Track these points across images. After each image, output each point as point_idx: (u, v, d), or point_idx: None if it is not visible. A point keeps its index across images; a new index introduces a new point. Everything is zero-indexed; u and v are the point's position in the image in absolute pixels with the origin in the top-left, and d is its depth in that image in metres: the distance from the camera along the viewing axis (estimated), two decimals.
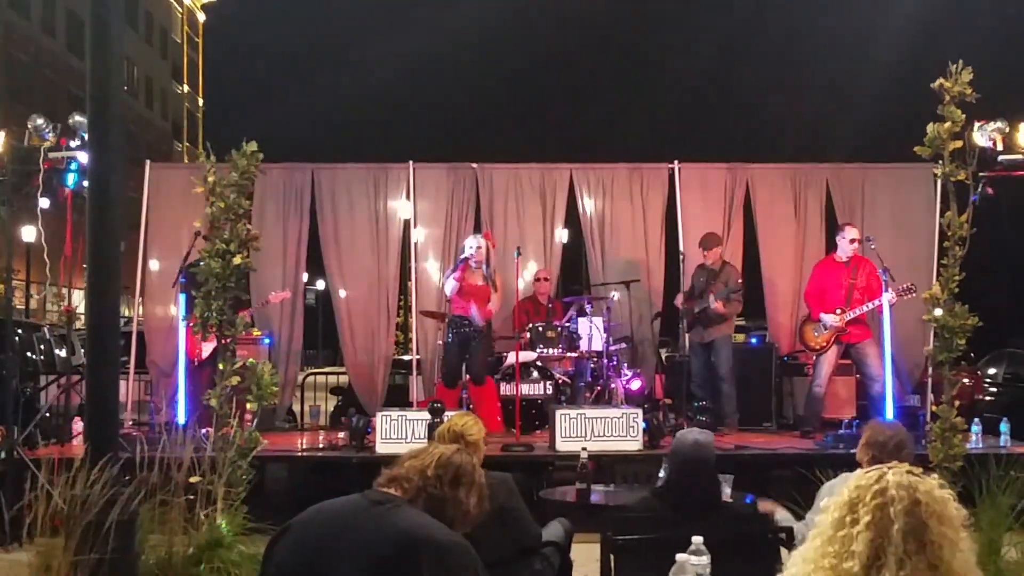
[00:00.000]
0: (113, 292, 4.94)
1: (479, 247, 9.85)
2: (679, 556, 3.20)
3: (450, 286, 10.25)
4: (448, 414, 6.75)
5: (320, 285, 13.07)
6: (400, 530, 2.85)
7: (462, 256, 10.17)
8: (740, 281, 10.90)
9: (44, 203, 8.28)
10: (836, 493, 2.51)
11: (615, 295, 11.50)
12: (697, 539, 3.30)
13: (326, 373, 14.61)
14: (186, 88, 56.43)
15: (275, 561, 2.95)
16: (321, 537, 2.90)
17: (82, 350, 17.34)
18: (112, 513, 4.44)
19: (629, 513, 4.63)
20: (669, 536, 3.60)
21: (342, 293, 12.01)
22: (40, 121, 8.07)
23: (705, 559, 3.26)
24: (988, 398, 14.67)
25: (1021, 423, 9.79)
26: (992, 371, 15.42)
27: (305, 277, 12.70)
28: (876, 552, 2.35)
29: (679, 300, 11.06)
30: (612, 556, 4.19)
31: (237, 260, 7.01)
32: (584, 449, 6.82)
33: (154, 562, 5.47)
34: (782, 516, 5.31)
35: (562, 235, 12.07)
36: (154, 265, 11.57)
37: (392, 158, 12.25)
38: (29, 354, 12.98)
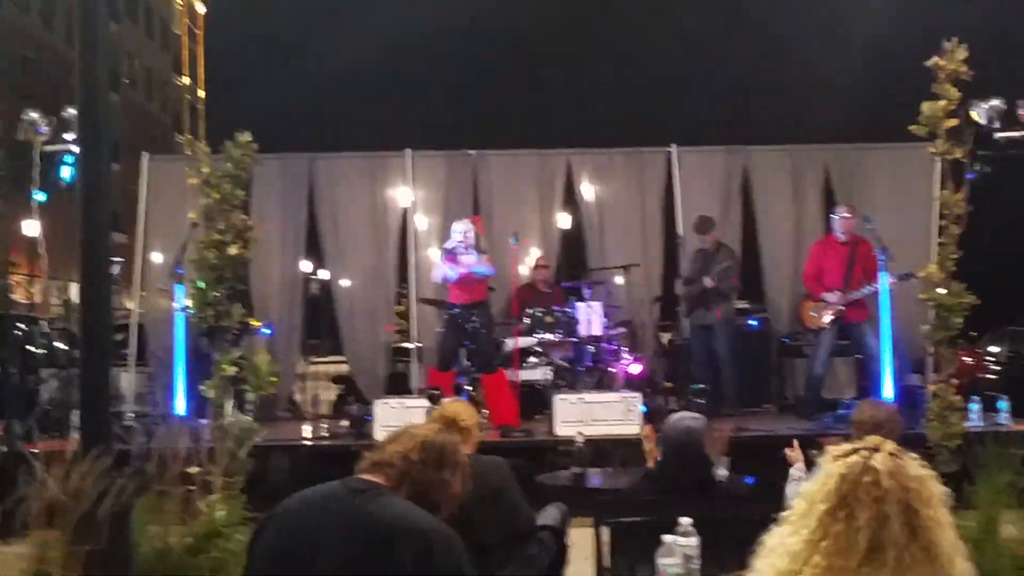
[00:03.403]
0: (104, 285, 4.94)
1: (466, 232, 9.69)
2: (666, 537, 3.20)
3: (439, 273, 9.96)
4: (444, 400, 6.75)
5: (323, 275, 13.09)
6: (383, 520, 2.84)
7: (448, 246, 9.88)
8: (733, 258, 10.91)
9: (41, 197, 8.28)
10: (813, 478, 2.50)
11: (614, 280, 11.50)
12: (685, 520, 3.30)
13: (328, 362, 14.60)
14: (187, 80, 56.30)
15: (258, 553, 2.95)
16: (301, 527, 2.88)
17: None
18: (106, 505, 4.44)
19: (622, 496, 4.64)
20: (661, 518, 3.60)
21: (342, 282, 12.03)
22: (35, 115, 8.06)
23: (694, 540, 3.26)
24: (989, 376, 14.65)
25: (1021, 401, 9.78)
26: (994, 349, 15.40)
27: (309, 267, 12.72)
28: (874, 546, 2.34)
29: (679, 286, 11.06)
30: (606, 539, 4.19)
31: (233, 251, 6.99)
32: (580, 433, 6.81)
33: (152, 553, 5.47)
34: (798, 471, 5.32)
35: (561, 221, 12.07)
36: (154, 258, 11.58)
37: (390, 147, 12.25)
38: (29, 347, 13.00)
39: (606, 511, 4.25)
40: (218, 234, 6.98)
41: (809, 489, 2.44)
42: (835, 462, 2.43)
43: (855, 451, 2.43)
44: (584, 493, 6.00)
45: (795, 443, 5.71)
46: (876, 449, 2.42)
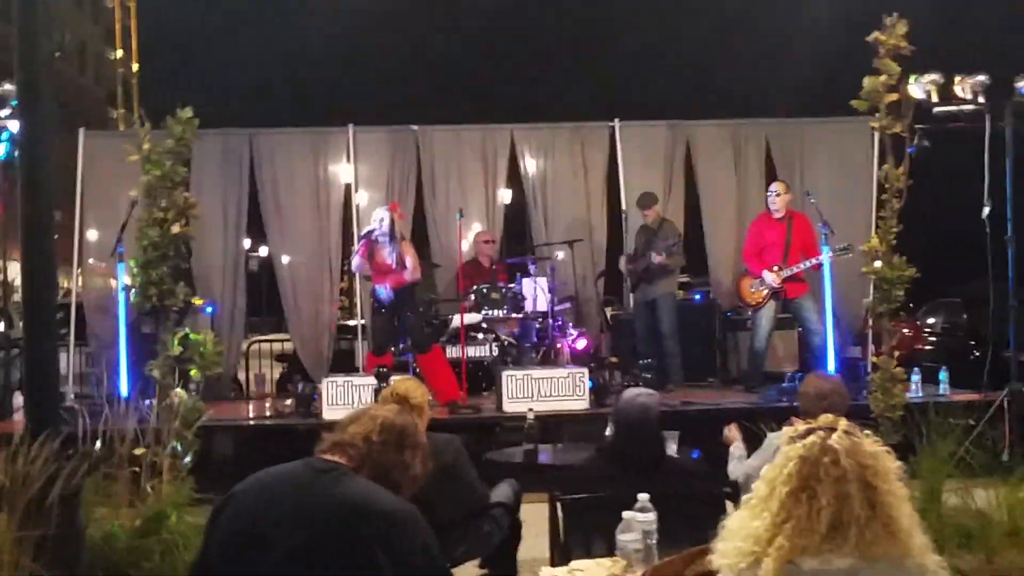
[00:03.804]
0: (48, 264, 4.85)
1: (382, 220, 9.47)
2: (625, 514, 3.22)
3: (355, 263, 9.88)
4: (394, 379, 6.73)
5: (263, 252, 12.95)
6: (347, 500, 2.82)
7: (365, 231, 9.81)
8: (679, 234, 10.99)
9: None
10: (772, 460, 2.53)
11: (559, 255, 11.52)
12: (643, 496, 3.32)
13: (271, 340, 14.47)
14: (120, 53, 55.26)
15: (218, 531, 2.92)
16: (265, 507, 2.86)
17: (20, 323, 17.09)
18: (55, 488, 4.38)
19: (576, 472, 4.66)
20: (615, 494, 3.61)
21: (284, 259, 11.91)
22: None
23: (652, 516, 3.28)
24: (927, 348, 14.93)
25: (959, 372, 9.97)
26: (931, 321, 15.69)
27: (248, 243, 12.56)
28: (836, 525, 2.38)
29: (622, 263, 11.10)
30: (560, 515, 4.21)
31: (176, 229, 6.90)
32: (530, 410, 6.83)
33: (100, 536, 5.41)
34: (737, 450, 5.39)
35: (505, 196, 12.05)
36: (92, 235, 11.39)
37: (332, 122, 12.13)
38: None
39: (559, 487, 4.25)
40: (160, 212, 6.89)
41: (769, 473, 2.47)
42: (793, 444, 2.47)
43: (811, 432, 2.47)
44: (536, 469, 6.02)
45: (732, 424, 5.77)
46: (832, 429, 2.46)
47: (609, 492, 3.94)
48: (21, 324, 15.71)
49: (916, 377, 9.38)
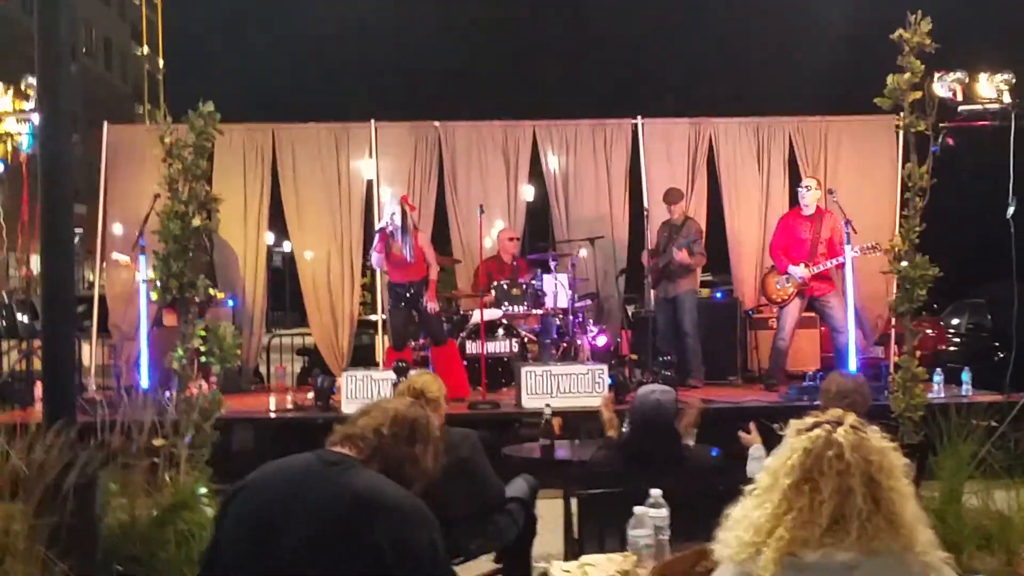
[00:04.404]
0: (67, 256, 4.87)
1: (393, 214, 9.47)
2: (637, 509, 3.20)
3: (373, 259, 9.91)
4: (412, 373, 6.73)
5: (287, 247, 13.01)
6: (355, 492, 2.82)
7: (378, 226, 9.82)
8: (701, 232, 10.96)
9: None
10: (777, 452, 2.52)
11: (580, 252, 11.50)
12: (655, 492, 3.30)
13: (292, 334, 14.53)
14: (146, 49, 55.60)
15: (228, 521, 2.92)
16: (274, 498, 2.86)
17: None
18: (70, 476, 4.40)
19: (591, 468, 4.65)
20: (630, 490, 3.60)
21: (306, 254, 11.95)
22: None
23: (664, 511, 3.27)
24: (951, 348, 14.82)
25: (983, 373, 9.89)
26: (955, 321, 15.57)
27: (272, 239, 12.60)
28: (837, 518, 2.37)
29: (645, 258, 11.07)
30: (574, 510, 4.20)
31: (196, 221, 6.92)
32: (548, 405, 6.80)
33: (117, 525, 5.43)
34: (756, 450, 5.35)
35: (526, 192, 12.04)
36: (115, 228, 11.45)
37: (354, 117, 12.15)
38: None
39: (574, 482, 4.24)
40: (181, 205, 6.91)
41: (773, 464, 2.46)
42: (799, 436, 2.46)
43: (818, 425, 2.46)
44: (552, 465, 6.01)
45: (751, 425, 5.73)
46: (839, 423, 2.46)
47: (625, 488, 3.92)
48: None
49: (939, 378, 9.33)
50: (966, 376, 9.56)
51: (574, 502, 4.18)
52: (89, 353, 11.47)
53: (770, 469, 2.48)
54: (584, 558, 3.22)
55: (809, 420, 2.53)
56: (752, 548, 2.40)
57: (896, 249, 7.12)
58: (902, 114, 7.11)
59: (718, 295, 12.74)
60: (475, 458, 5.13)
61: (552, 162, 11.95)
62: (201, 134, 7.03)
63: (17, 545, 4.37)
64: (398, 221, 9.43)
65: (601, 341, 11.05)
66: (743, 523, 2.46)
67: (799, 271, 9.94)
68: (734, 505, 2.57)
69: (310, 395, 9.63)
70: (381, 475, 2.92)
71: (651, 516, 3.24)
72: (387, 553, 2.73)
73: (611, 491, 3.91)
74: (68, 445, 4.49)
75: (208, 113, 7.08)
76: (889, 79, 7.06)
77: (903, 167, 7.44)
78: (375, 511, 2.77)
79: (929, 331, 14.64)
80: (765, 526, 2.40)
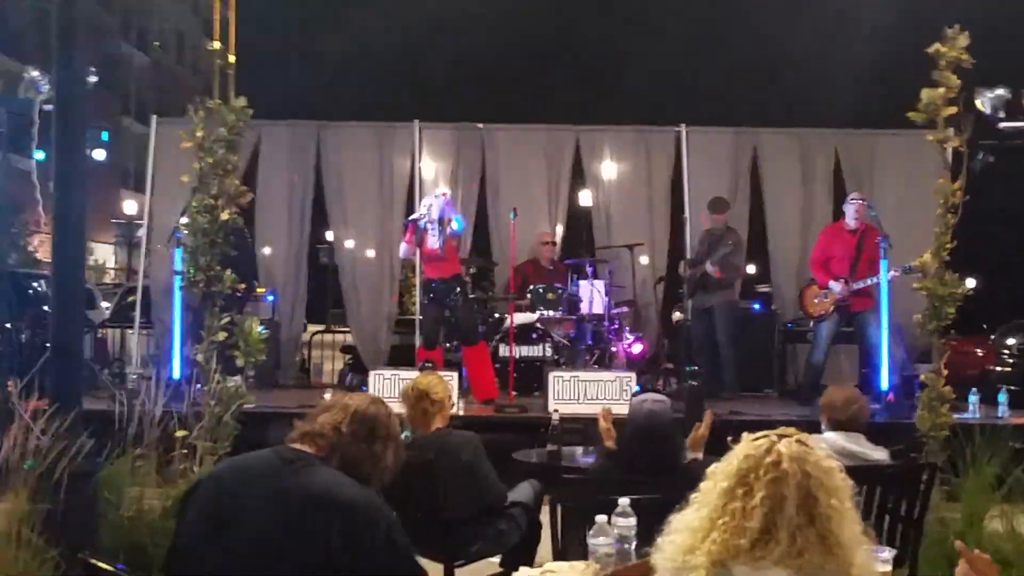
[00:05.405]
0: (77, 246, 4.95)
1: (429, 206, 9.35)
2: (599, 517, 3.19)
3: (401, 249, 9.84)
4: (417, 374, 6.73)
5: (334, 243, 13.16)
6: (309, 490, 2.84)
7: (410, 217, 9.75)
8: (741, 243, 10.85)
9: (40, 155, 8.29)
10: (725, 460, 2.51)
11: (619, 259, 11.47)
12: (624, 501, 3.29)
13: (334, 332, 14.63)
14: (218, 45, 56.17)
15: (187, 516, 2.95)
16: (229, 494, 2.89)
17: (103, 304, 17.53)
18: (64, 463, 4.46)
19: (586, 475, 4.64)
20: (615, 499, 3.58)
21: (348, 252, 12.05)
22: (35, 73, 8.06)
23: (631, 520, 3.24)
24: (1002, 369, 14.53)
25: None
26: (1010, 341, 15.26)
27: (329, 235, 12.77)
28: (768, 526, 2.36)
29: (682, 267, 11.02)
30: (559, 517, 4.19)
31: (225, 215, 7.00)
32: (556, 411, 6.79)
33: (127, 515, 5.52)
34: None
35: (567, 197, 12.03)
36: (160, 221, 11.62)
37: (398, 117, 12.23)
38: (46, 307, 13.08)
39: (561, 490, 4.24)
40: (211, 199, 6.99)
41: (715, 468, 2.46)
42: (745, 444, 2.46)
43: (765, 435, 2.46)
44: (551, 471, 5.99)
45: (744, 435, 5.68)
46: (785, 435, 2.45)
47: (615, 496, 3.91)
48: (103, 305, 16.15)
49: (974, 398, 9.14)
50: (1003, 397, 9.36)
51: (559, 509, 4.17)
52: (134, 344, 11.68)
53: (711, 473, 2.49)
54: (548, 564, 3.21)
55: (761, 432, 2.53)
56: (686, 553, 2.39)
57: (927, 267, 7.01)
58: (936, 129, 7.00)
59: (756, 306, 12.64)
60: (476, 461, 5.13)
61: (594, 168, 11.93)
62: (232, 128, 7.12)
63: (15, 530, 4.45)
64: (435, 215, 9.36)
65: (637, 349, 11.00)
66: (681, 528, 2.46)
67: (838, 286, 9.82)
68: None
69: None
70: (338, 473, 2.93)
71: (620, 525, 3.23)
72: (341, 552, 2.74)
73: (590, 500, 3.89)
74: (65, 432, 4.56)
75: (240, 107, 7.17)
76: (924, 93, 6.95)
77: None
78: (328, 510, 2.79)
79: (978, 351, 14.37)
80: (699, 532, 2.41)
